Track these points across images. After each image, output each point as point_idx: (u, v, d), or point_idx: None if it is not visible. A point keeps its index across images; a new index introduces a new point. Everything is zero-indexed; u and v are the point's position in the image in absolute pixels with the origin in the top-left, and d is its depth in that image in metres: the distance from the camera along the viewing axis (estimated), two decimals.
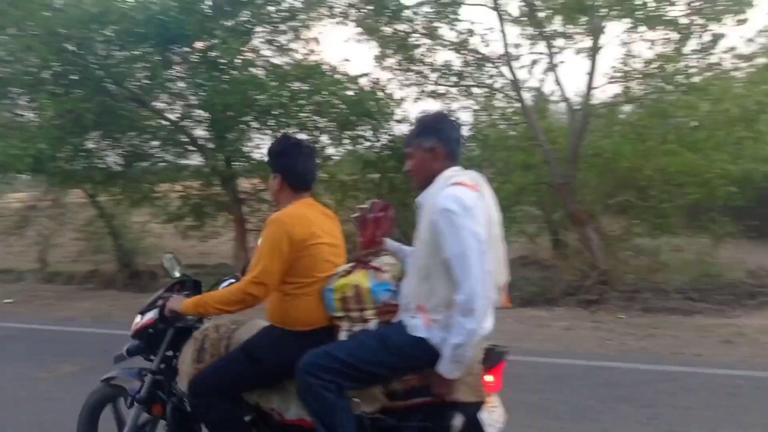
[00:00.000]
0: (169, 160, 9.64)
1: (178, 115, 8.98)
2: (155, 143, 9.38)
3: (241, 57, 7.59)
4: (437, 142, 1.96)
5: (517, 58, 7.79)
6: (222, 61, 7.84)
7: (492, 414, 1.96)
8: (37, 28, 6.64)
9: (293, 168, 2.21)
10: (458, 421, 1.89)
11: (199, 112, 8.73)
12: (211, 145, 9.08)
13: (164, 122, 9.04)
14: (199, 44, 7.70)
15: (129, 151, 9.36)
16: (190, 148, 9.50)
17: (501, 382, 2.04)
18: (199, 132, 9.30)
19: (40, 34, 6.75)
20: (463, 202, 1.79)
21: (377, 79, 8.49)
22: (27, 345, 6.15)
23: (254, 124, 8.81)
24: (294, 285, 2.09)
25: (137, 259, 13.57)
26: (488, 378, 1.96)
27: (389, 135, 8.48)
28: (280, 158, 2.25)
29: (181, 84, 8.44)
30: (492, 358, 1.98)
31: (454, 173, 1.95)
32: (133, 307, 7.74)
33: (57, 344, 6.15)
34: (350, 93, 7.86)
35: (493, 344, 2.03)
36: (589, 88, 7.41)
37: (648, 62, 7.19)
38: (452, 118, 2.20)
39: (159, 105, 8.82)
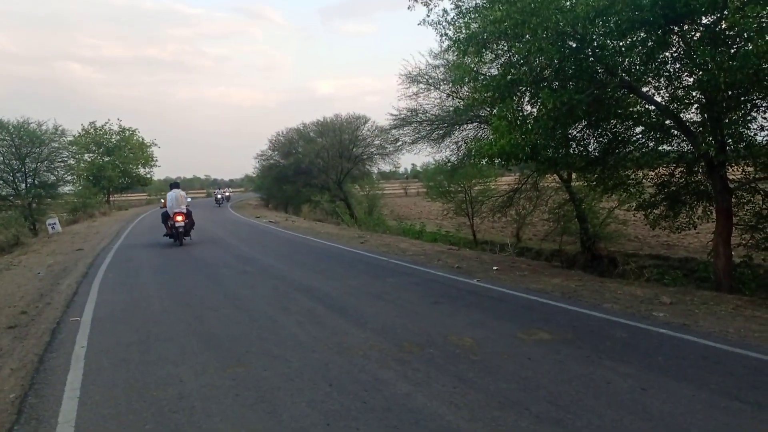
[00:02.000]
0: (649, 146, 9.30)
1: (667, 99, 8.50)
2: (638, 129, 9.20)
3: (757, 24, 6.51)
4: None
5: None
6: (730, 33, 6.95)
7: (176, 224, 14.77)
8: (547, 31, 7.39)
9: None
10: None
11: (693, 94, 8.03)
12: (701, 129, 8.28)
13: (650, 107, 8.73)
14: (706, 19, 7.02)
15: (610, 138, 9.49)
16: (675, 132, 8.91)
17: (183, 219, 14.98)
18: (689, 115, 8.60)
19: (548, 36, 7.49)
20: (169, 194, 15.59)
21: None
22: (510, 308, 6.99)
23: (763, 103, 7.52)
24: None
25: (599, 244, 13.93)
26: (178, 217, 14.77)
27: None
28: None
29: (676, 65, 7.94)
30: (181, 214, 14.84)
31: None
32: (598, 290, 7.96)
33: (532, 312, 6.74)
34: None
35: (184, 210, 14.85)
36: None
37: None
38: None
39: (647, 90, 8.56)
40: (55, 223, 21.32)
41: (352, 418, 3.67)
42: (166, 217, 15.33)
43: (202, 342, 5.60)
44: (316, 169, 35.26)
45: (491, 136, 9.01)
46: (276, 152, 41.41)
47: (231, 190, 61.70)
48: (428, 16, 9.21)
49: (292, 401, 3.98)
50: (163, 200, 16.17)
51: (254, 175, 53.58)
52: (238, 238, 16.85)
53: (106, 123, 42.54)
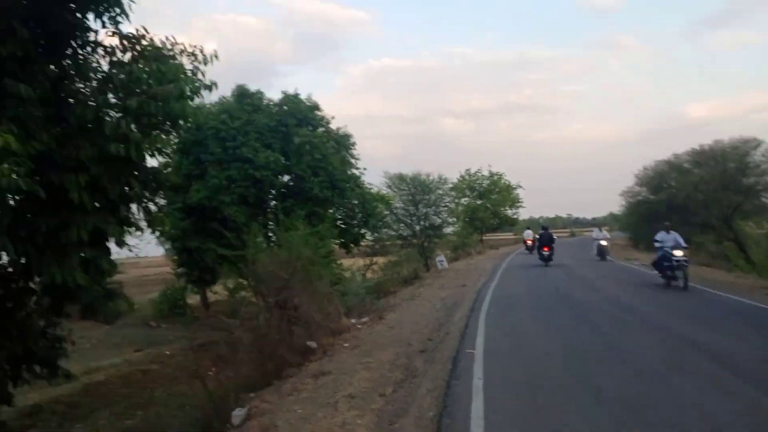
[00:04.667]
0: None
1: None
2: None
3: None
4: None
5: None
6: None
7: (528, 244, 32.60)
8: None
9: None
10: None
11: None
12: None
13: None
14: None
15: None
16: None
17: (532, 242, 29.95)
18: None
19: None
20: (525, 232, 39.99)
21: None
22: None
23: None
24: None
25: None
26: (528, 241, 34.01)
27: None
28: None
29: None
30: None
31: None
32: None
33: None
34: None
35: None
36: None
37: None
38: None
39: None
40: (442, 260, 24.68)
41: None
42: (523, 241, 34.19)
43: (590, 395, 5.52)
44: (694, 204, 31.06)
45: None
46: (644, 187, 38.47)
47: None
48: None
49: None
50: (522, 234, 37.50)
51: (619, 213, 50.89)
52: (606, 280, 16.14)
53: (478, 170, 47.53)
